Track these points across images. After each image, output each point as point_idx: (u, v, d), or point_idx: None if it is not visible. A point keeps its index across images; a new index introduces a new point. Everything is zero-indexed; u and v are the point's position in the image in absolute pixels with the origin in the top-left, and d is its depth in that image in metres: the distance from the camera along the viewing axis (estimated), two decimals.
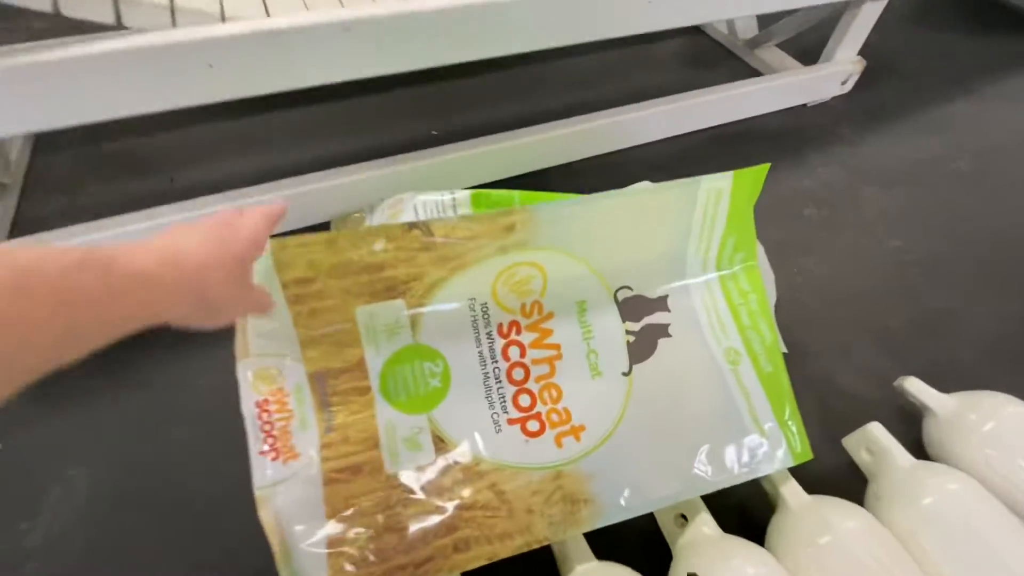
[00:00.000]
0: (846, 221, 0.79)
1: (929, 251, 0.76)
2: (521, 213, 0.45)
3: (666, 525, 0.46)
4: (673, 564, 0.42)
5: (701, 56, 1.11)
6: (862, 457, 0.50)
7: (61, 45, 0.45)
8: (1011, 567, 0.40)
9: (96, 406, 0.56)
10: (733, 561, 0.40)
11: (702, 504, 0.45)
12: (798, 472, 0.47)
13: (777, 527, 0.45)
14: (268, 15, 0.55)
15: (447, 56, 0.59)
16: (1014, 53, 1.22)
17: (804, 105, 0.99)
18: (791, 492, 0.45)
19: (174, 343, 0.54)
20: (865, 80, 1.01)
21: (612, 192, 0.49)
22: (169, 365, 0.58)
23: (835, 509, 0.44)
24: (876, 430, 0.50)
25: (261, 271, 0.40)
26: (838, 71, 0.94)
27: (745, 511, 0.50)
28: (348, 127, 0.88)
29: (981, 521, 0.43)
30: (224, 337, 0.40)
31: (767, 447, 0.47)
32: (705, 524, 0.44)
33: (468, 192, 0.57)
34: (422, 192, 0.59)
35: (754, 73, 1.03)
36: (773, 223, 0.72)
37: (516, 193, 0.56)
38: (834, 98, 1.01)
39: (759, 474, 0.46)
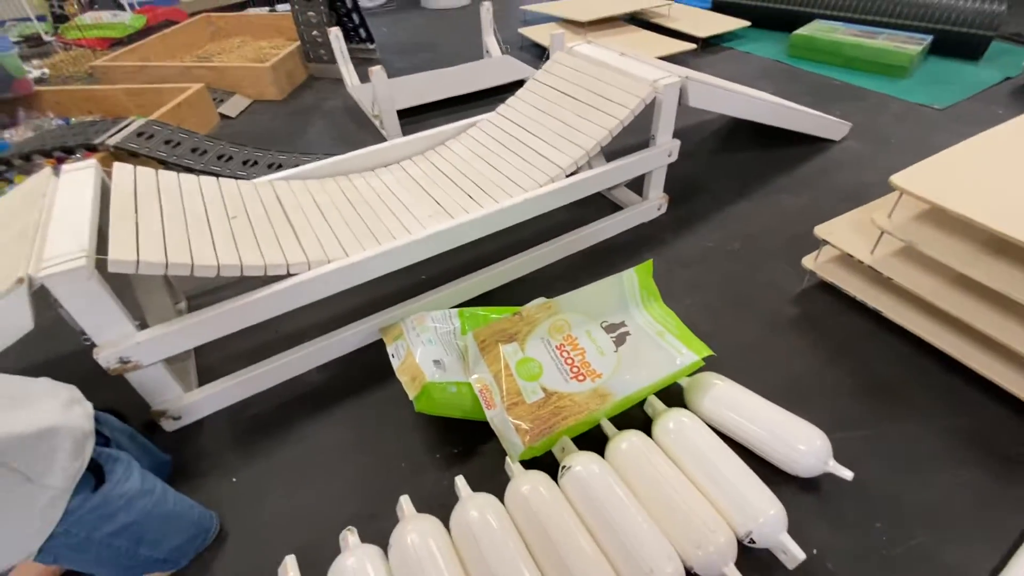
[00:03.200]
0: (664, 290, 1.40)
1: (707, 303, 1.36)
2: (552, 304, 1.18)
3: (557, 454, 1.01)
4: (560, 468, 0.97)
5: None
6: (650, 411, 1.07)
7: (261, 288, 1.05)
8: (709, 459, 0.95)
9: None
10: (582, 459, 0.95)
11: (570, 442, 1.00)
12: (628, 422, 1.04)
13: (609, 445, 1.00)
14: (347, 255, 1.16)
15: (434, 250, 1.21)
16: (775, 159, 1.91)
17: (643, 223, 1.64)
18: (610, 431, 1.02)
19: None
20: (683, 197, 1.67)
21: (586, 286, 1.21)
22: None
23: (630, 434, 1.00)
24: (652, 399, 1.07)
25: (471, 343, 1.10)
26: (653, 204, 1.60)
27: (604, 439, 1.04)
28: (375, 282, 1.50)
29: (694, 434, 0.99)
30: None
31: (684, 359, 1.12)
32: (571, 446, 0.99)
33: (456, 310, 1.18)
34: (431, 311, 1.18)
35: (614, 207, 1.68)
36: None
37: (487, 309, 1.19)
38: (660, 216, 1.66)
39: (684, 366, 1.10)
